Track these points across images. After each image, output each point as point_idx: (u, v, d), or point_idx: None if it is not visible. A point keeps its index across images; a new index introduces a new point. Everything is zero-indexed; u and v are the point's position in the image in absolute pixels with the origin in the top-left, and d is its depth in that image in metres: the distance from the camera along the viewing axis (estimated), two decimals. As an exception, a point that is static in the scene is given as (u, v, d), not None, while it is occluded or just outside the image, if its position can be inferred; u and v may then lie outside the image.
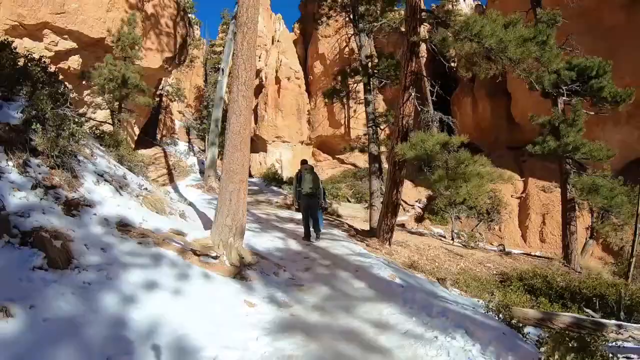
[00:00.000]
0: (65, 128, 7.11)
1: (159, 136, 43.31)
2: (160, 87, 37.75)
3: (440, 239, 20.73)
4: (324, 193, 12.08)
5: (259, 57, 46.37)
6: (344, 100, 19.19)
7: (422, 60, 36.10)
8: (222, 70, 22.48)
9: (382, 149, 18.23)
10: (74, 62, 19.56)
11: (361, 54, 17.69)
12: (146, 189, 9.19)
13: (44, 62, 9.69)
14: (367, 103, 17.41)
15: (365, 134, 18.34)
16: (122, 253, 5.92)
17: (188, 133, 44.80)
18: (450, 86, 34.73)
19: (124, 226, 6.92)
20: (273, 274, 7.60)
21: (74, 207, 6.42)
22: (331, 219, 17.95)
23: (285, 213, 16.89)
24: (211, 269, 6.96)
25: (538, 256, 19.67)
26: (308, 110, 41.28)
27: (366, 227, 17.30)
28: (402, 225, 24.20)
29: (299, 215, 13.02)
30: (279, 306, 6.14)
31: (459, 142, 11.11)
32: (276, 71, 39.99)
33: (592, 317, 8.04)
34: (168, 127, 44.37)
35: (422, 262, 13.53)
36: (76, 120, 8.19)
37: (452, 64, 42.45)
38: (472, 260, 15.61)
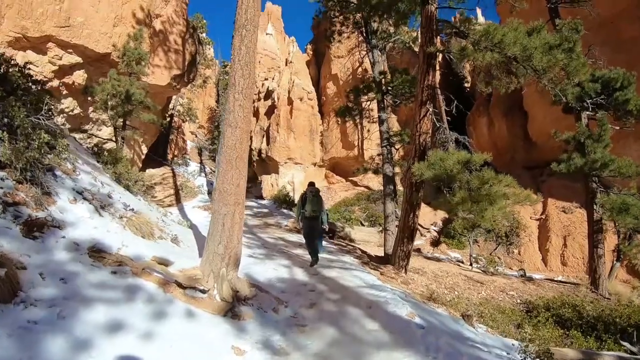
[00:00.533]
0: (35, 138, 6.17)
1: (170, 156, 42.64)
2: (172, 106, 37.23)
3: (459, 265, 19.49)
4: (327, 216, 11.28)
5: (272, 78, 45.90)
6: (357, 119, 18.20)
7: (436, 79, 35.33)
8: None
9: (397, 170, 17.18)
10: (79, 77, 18.84)
11: (374, 71, 16.78)
12: (132, 209, 8.17)
13: (28, 68, 8.80)
14: (380, 121, 16.42)
15: (379, 154, 17.29)
16: (88, 285, 5.00)
17: (200, 154, 44.21)
18: (465, 106, 33.64)
19: (97, 252, 5.96)
20: (272, 311, 6.54)
21: (37, 229, 5.53)
22: (343, 244, 16.84)
23: (294, 237, 15.81)
24: (197, 305, 5.92)
25: (562, 282, 18.33)
26: (321, 132, 40.38)
27: (380, 252, 16.20)
28: (418, 250, 23.02)
29: None
30: (274, 354, 5.10)
31: (481, 160, 10.05)
32: (288, 92, 39.26)
33: (634, 353, 7.04)
34: (180, 147, 43.75)
35: (440, 290, 12.48)
36: (54, 131, 7.27)
37: (466, 84, 41.70)
38: (494, 288, 14.45)
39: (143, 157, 24.50)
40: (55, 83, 18.01)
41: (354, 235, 19.44)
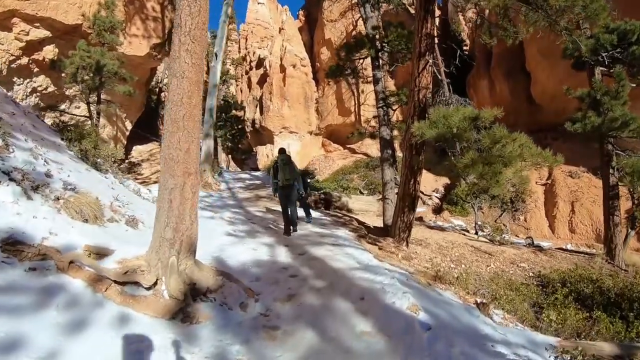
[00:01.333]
0: None
1: (162, 132, 41.14)
2: (159, 80, 35.50)
3: (464, 234, 18.12)
4: (306, 182, 11.36)
5: (265, 47, 43.98)
6: (350, 79, 16.49)
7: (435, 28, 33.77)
8: (216, 54, 20.06)
9: (395, 133, 15.62)
10: (49, 53, 17.28)
11: (367, 26, 15.08)
12: (74, 188, 6.68)
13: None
14: (375, 81, 14.81)
15: (375, 117, 15.71)
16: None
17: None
18: (464, 70, 31.92)
19: (13, 244, 4.56)
20: (239, 307, 5.17)
21: None
22: (339, 214, 15.46)
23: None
24: (136, 306, 4.55)
25: (575, 251, 16.96)
26: (316, 99, 38.67)
27: (380, 223, 14.82)
28: (420, 219, 21.70)
29: (302, 212, 12.11)
30: (228, 376, 3.69)
31: (491, 117, 8.59)
32: (281, 59, 37.42)
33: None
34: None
35: (446, 264, 11.16)
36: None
37: (465, 48, 39.67)
38: (503, 260, 13.12)
39: (128, 133, 23.01)
40: (25, 60, 16.53)
41: (351, 205, 18.06)
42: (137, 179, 20.91)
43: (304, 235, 9.86)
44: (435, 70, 10.35)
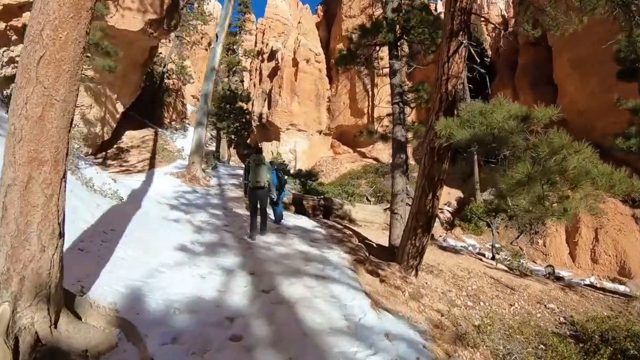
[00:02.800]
0: None
1: (167, 120, 38.99)
2: (164, 64, 33.29)
3: (480, 259, 15.65)
4: (281, 186, 10.77)
5: (280, 40, 41.81)
6: (362, 71, 14.05)
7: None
8: (217, 35, 17.82)
9: (409, 135, 13.19)
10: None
11: (387, 9, 12.68)
12: None
13: None
14: (392, 72, 12.41)
15: (388, 115, 13.30)
16: None
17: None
18: (485, 82, 29.55)
19: None
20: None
21: None
22: (339, 226, 13.08)
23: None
24: None
25: (610, 291, 14.41)
26: (328, 97, 36.31)
27: (385, 239, 12.47)
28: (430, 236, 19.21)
29: (294, 220, 11.56)
30: None
31: (547, 117, 6.20)
32: (294, 52, 35.12)
33: None
34: (179, 111, 39.92)
35: (461, 301, 8.92)
36: None
37: (486, 59, 37.27)
38: (528, 297, 10.75)
39: (119, 116, 20.70)
40: (1, 26, 14.34)
41: (354, 215, 15.66)
42: (122, 166, 18.74)
43: (283, 256, 7.53)
44: (472, 52, 7.88)
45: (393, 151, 11.87)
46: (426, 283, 9.40)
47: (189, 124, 42.94)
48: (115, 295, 4.55)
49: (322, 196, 15.72)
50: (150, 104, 31.97)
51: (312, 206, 14.71)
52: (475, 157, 26.04)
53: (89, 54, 14.41)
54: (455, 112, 7.83)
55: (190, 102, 45.88)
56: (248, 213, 10.70)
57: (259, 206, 9.09)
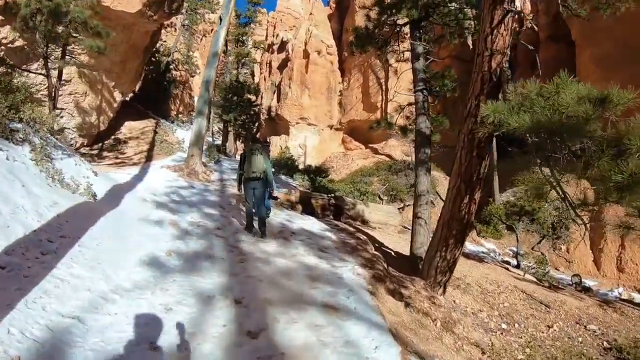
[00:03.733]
0: None
1: (174, 112, 37.54)
2: (169, 54, 31.76)
3: (506, 268, 13.94)
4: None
5: (288, 30, 40.14)
6: (381, 52, 12.24)
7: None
8: (220, 18, 16.13)
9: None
10: (17, -2, 13.54)
11: (411, -17, 10.94)
12: None
13: None
14: (415, 56, 10.71)
15: (410, 104, 11.56)
16: None
17: (209, 111, 38.83)
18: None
19: None
20: None
21: None
22: (351, 229, 11.42)
23: (280, 216, 10.52)
24: None
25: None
26: (340, 91, 34.53)
27: (403, 246, 10.83)
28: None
29: (300, 222, 10.12)
30: None
31: (626, 101, 4.48)
32: (305, 44, 33.38)
33: None
34: (186, 103, 38.50)
35: (494, 324, 7.59)
36: None
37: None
38: (565, 317, 9.45)
39: (116, 105, 19.19)
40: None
41: (368, 216, 13.97)
42: (117, 158, 17.25)
43: (283, 273, 5.88)
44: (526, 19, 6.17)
45: (416, 145, 10.15)
46: (454, 302, 7.95)
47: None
48: (24, 344, 2.96)
49: (332, 195, 14.03)
50: (155, 95, 30.51)
51: (322, 205, 13.04)
52: (495, 153, 24.17)
53: (76, 34, 12.84)
54: (503, 95, 6.24)
55: (198, 94, 44.26)
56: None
57: (254, 199, 8.08)
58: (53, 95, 12.75)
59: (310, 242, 8.08)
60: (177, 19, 34.03)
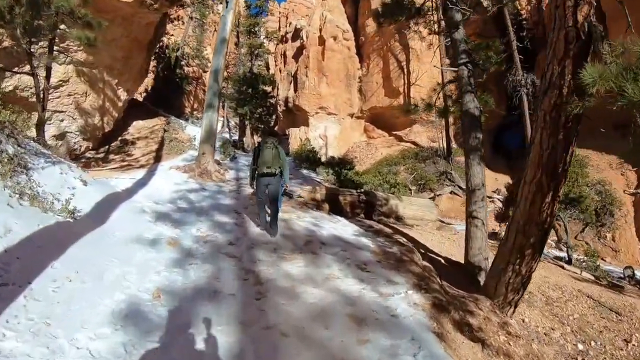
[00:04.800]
0: None
1: (188, 110, 36.15)
2: (180, 49, 30.26)
3: (562, 266, 12.02)
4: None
5: (303, 19, 38.35)
6: (413, 23, 10.34)
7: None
8: (227, 2, 14.46)
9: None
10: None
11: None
12: None
13: None
14: (452, 25, 8.86)
15: (451, 81, 9.70)
16: None
17: (223, 107, 37.36)
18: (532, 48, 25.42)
19: None
20: None
21: None
22: (387, 229, 9.73)
23: (305, 221, 8.89)
24: None
25: None
26: (359, 77, 32.51)
27: (448, 247, 9.11)
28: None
29: (329, 226, 8.76)
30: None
31: None
32: (320, 30, 31.45)
33: None
34: (200, 100, 37.06)
35: (570, 343, 6.38)
36: None
37: (525, 24, 32.92)
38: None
39: (121, 104, 17.71)
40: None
41: (402, 211, 12.19)
42: (124, 161, 15.79)
43: (316, 316, 4.22)
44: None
45: (464, 129, 8.30)
46: (523, 321, 6.70)
47: (211, 114, 40.03)
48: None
49: (362, 190, 12.26)
50: (167, 93, 29.10)
51: (351, 203, 11.32)
52: (528, 128, 22.01)
53: (62, 26, 11.29)
54: (599, 57, 4.50)
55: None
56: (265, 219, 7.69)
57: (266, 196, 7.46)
58: (42, 96, 11.23)
59: (345, 256, 6.39)
60: (184, 11, 32.51)
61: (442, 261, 8.51)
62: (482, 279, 7.49)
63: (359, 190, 11.97)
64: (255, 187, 7.65)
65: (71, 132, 15.80)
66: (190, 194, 10.28)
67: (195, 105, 37.05)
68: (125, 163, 15.32)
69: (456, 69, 8.65)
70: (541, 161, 5.04)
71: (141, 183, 10.70)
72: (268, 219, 7.60)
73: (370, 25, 32.22)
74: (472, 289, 6.91)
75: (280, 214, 8.89)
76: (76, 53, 14.78)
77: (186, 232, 6.76)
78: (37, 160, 7.20)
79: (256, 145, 8.00)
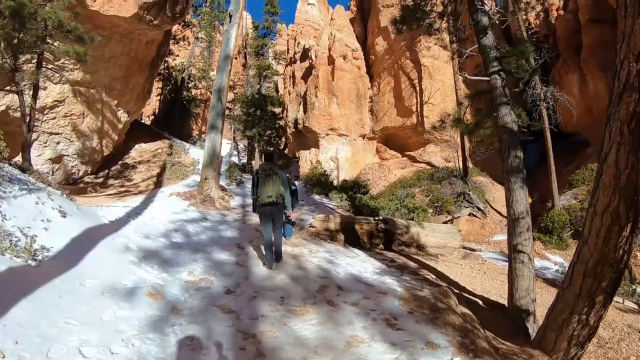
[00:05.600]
0: None
1: (195, 132, 35.26)
2: (183, 70, 29.45)
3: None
4: (296, 196, 8.10)
5: (311, 39, 37.67)
6: (433, 30, 9.17)
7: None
8: (230, 15, 13.49)
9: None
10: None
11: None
12: None
13: None
14: (481, 30, 7.69)
15: (482, 92, 8.48)
16: None
17: (232, 130, 36.47)
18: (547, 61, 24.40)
19: None
20: None
21: None
22: (412, 265, 8.47)
23: (318, 255, 7.71)
24: None
25: None
26: (370, 97, 31.46)
27: (481, 281, 7.86)
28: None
29: (346, 263, 7.55)
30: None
31: None
32: (329, 49, 30.51)
33: None
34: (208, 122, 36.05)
35: None
36: None
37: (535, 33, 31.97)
38: None
39: (121, 126, 16.72)
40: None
41: (424, 239, 10.93)
42: (122, 186, 14.73)
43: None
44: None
45: (503, 146, 7.03)
46: None
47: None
48: None
49: (379, 217, 10.99)
50: (175, 116, 28.20)
51: (368, 232, 10.08)
52: (550, 145, 20.66)
53: (49, 40, 10.32)
54: None
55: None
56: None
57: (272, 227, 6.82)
58: (28, 115, 10.19)
59: (369, 307, 5.15)
60: (191, 32, 31.83)
61: (480, 302, 7.24)
62: (530, 325, 6.22)
63: (376, 218, 10.70)
64: (259, 218, 6.98)
65: (68, 155, 14.81)
66: (188, 224, 9.12)
67: (203, 128, 36.14)
68: (123, 189, 14.25)
69: (488, 78, 7.46)
70: (617, 185, 3.85)
71: (135, 212, 9.56)
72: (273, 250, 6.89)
73: (380, 44, 31.32)
74: (520, 338, 5.68)
75: (290, 249, 7.72)
76: (72, 72, 13.87)
77: (175, 277, 5.58)
78: (9, 188, 6.12)
79: (255, 172, 7.29)
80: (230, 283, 5.60)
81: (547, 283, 10.63)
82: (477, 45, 7.91)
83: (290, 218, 7.61)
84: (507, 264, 11.88)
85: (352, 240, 9.75)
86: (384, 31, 30.75)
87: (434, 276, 7.71)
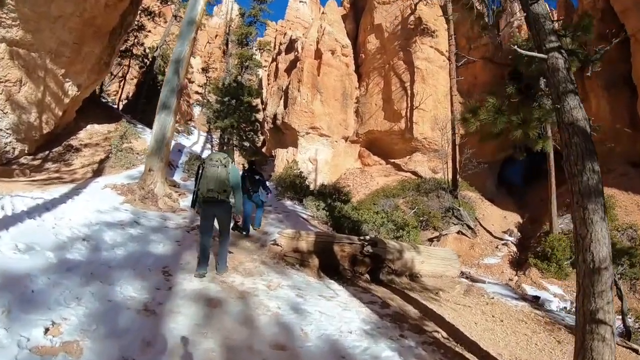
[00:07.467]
0: None
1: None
2: (154, 50, 26.60)
3: (637, 351, 8.24)
4: (266, 189, 8.27)
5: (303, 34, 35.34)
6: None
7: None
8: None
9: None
10: None
11: None
12: None
13: None
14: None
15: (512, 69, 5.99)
16: None
17: (209, 121, 33.74)
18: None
19: None
20: None
21: None
22: (413, 312, 6.04)
23: (279, 294, 5.20)
24: None
25: None
26: (357, 97, 29.10)
27: (499, 334, 5.55)
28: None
29: (319, 312, 5.05)
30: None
31: None
32: (317, 42, 28.06)
33: None
34: (182, 112, 33.10)
35: None
36: None
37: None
38: None
39: (67, 100, 13.91)
40: None
41: (419, 266, 8.53)
42: (58, 171, 12.15)
43: None
44: None
45: (570, 154, 4.52)
46: None
47: (194, 127, 36.09)
48: None
49: (365, 237, 8.47)
50: (142, 100, 25.28)
51: (351, 256, 7.59)
52: (552, 162, 18.50)
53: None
54: None
55: (195, 100, 39.51)
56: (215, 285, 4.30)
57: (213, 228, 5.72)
58: None
59: None
60: (170, 9, 29.00)
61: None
62: None
63: (361, 238, 8.16)
64: (200, 215, 5.89)
65: (1, 130, 11.99)
66: (108, 230, 6.50)
67: (177, 117, 33.36)
68: (56, 175, 11.53)
69: (545, 56, 5.01)
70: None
71: (45, 207, 6.89)
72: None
73: (372, 42, 29.09)
74: None
75: (240, 280, 5.19)
76: (10, 29, 11.11)
77: (15, 339, 2.99)
78: None
79: (200, 162, 6.28)
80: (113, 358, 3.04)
81: (561, 324, 8.31)
82: (525, 16, 5.51)
83: (236, 222, 6.84)
84: (517, 302, 9.54)
85: (329, 264, 7.27)
86: (378, 29, 28.53)
87: (444, 334, 5.26)
